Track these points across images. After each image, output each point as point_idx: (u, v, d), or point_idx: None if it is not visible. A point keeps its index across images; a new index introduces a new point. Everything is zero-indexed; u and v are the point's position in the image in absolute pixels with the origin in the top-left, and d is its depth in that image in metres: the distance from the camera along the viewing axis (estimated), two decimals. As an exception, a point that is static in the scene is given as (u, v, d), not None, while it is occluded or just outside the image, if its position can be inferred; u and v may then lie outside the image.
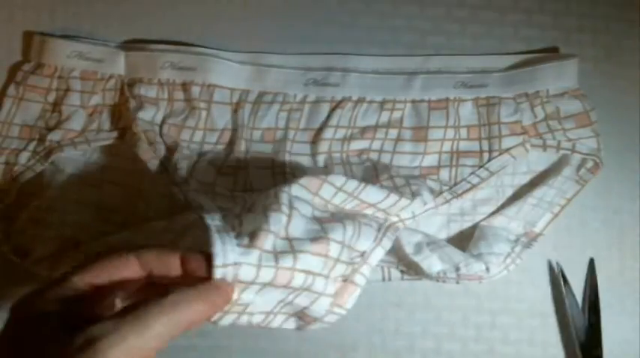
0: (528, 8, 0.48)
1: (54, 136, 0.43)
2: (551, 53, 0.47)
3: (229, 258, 0.29)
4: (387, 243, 0.37)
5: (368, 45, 0.47)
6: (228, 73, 0.44)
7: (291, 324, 0.34)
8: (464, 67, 0.46)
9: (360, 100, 0.44)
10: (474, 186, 0.43)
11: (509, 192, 0.45)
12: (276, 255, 0.30)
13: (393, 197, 0.38)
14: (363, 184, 0.37)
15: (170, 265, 0.29)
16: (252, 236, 0.30)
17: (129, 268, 0.29)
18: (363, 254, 0.35)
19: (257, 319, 0.32)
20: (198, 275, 0.29)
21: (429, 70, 0.46)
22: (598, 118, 0.44)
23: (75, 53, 0.44)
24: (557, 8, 0.48)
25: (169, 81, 0.44)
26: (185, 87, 0.44)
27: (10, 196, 0.42)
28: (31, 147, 0.43)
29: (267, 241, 0.30)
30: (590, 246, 0.46)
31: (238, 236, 0.30)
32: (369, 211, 0.38)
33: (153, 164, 0.41)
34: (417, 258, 0.42)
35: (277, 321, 0.33)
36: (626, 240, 0.46)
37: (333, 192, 0.36)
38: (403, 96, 0.44)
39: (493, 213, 0.44)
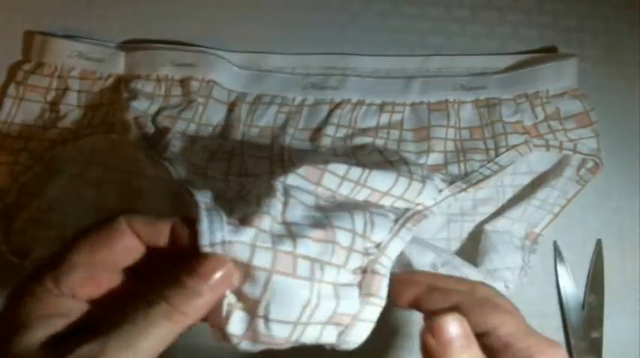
0: (528, 8, 0.48)
1: (51, 135, 0.43)
2: (550, 53, 0.47)
3: (217, 236, 0.27)
4: (406, 235, 0.34)
5: (368, 45, 0.47)
6: (226, 73, 0.44)
7: (331, 335, 0.30)
8: (464, 67, 0.46)
9: (360, 103, 0.44)
10: (486, 178, 0.41)
11: (509, 192, 0.45)
12: (274, 237, 0.29)
13: (403, 180, 0.36)
14: (367, 170, 0.35)
15: (160, 234, 0.27)
16: (245, 217, 0.29)
17: (125, 237, 0.27)
18: (378, 246, 0.33)
19: (281, 332, 0.29)
20: (185, 245, 0.27)
21: (429, 70, 0.46)
22: (598, 118, 0.44)
23: (75, 53, 0.44)
24: (557, 8, 0.48)
25: (168, 77, 0.43)
26: (183, 83, 0.43)
27: (11, 196, 0.42)
28: (31, 146, 0.43)
29: (263, 221, 0.29)
30: (590, 246, 0.46)
31: (230, 216, 0.29)
32: (386, 202, 0.36)
33: (143, 146, 0.40)
34: None
35: (310, 334, 0.30)
36: (626, 240, 0.46)
37: (338, 181, 0.34)
38: (402, 99, 0.44)
39: (496, 216, 0.44)
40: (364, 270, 0.32)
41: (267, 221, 0.29)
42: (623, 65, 0.47)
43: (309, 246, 0.29)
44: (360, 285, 0.31)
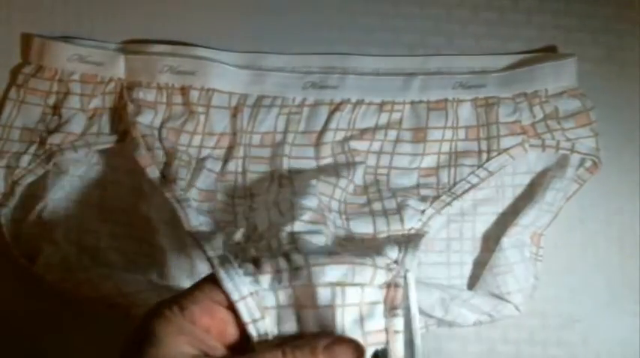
0: (528, 8, 0.47)
1: (54, 139, 0.43)
2: (549, 53, 0.47)
3: (243, 290, 0.29)
4: (414, 255, 0.36)
5: (368, 45, 0.47)
6: (226, 77, 0.44)
7: None
8: (464, 67, 0.46)
9: (359, 102, 0.44)
10: (473, 186, 0.42)
11: (509, 192, 0.45)
12: (291, 273, 0.30)
13: (380, 219, 0.39)
14: (346, 221, 0.39)
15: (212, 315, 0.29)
16: (256, 263, 0.31)
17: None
18: (396, 261, 0.35)
19: None
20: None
21: (429, 70, 0.46)
22: (598, 118, 0.43)
23: (75, 56, 0.44)
24: (557, 8, 0.47)
25: (168, 85, 0.44)
26: (184, 91, 0.44)
27: (13, 199, 0.42)
28: (32, 150, 0.43)
29: (272, 265, 0.30)
30: (590, 246, 0.46)
31: (241, 264, 0.31)
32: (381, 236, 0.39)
33: (152, 171, 0.41)
34: (448, 318, 0.42)
35: None
36: (626, 240, 0.46)
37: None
38: (402, 98, 0.44)
39: (510, 225, 0.44)
40: (389, 285, 0.32)
41: (282, 260, 0.31)
42: (623, 65, 0.47)
43: (327, 271, 0.30)
44: (385, 301, 0.32)
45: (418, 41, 0.47)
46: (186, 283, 0.43)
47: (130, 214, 0.45)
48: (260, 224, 0.39)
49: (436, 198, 0.42)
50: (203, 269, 0.43)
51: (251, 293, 0.29)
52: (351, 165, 0.42)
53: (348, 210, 0.41)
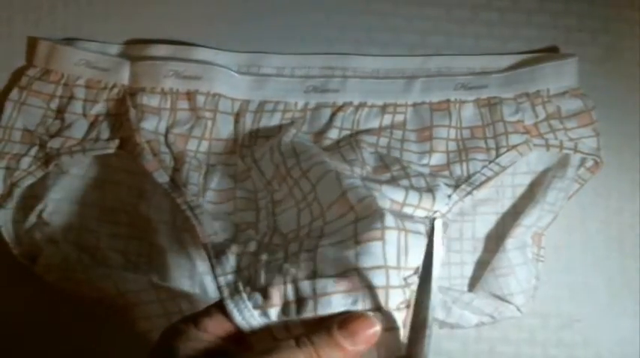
0: (528, 8, 0.48)
1: (54, 144, 0.43)
2: (550, 53, 0.47)
3: (252, 323, 0.30)
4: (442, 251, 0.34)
5: (368, 45, 0.47)
6: (230, 83, 0.44)
7: None
8: (464, 67, 0.46)
9: (362, 105, 0.44)
10: (488, 179, 0.41)
11: (508, 192, 0.45)
12: (299, 303, 0.31)
13: (413, 192, 0.37)
14: (379, 185, 0.37)
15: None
16: (265, 294, 0.31)
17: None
18: (417, 270, 0.32)
19: None
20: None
21: (430, 70, 0.46)
22: (598, 118, 0.44)
23: (83, 61, 0.44)
24: (557, 8, 0.47)
25: (173, 90, 0.43)
26: (189, 96, 0.43)
27: (11, 201, 0.42)
28: (33, 152, 0.43)
29: (285, 293, 0.31)
30: (590, 246, 0.46)
31: (251, 294, 0.31)
32: (407, 211, 0.37)
33: (159, 175, 0.40)
34: (451, 320, 0.42)
35: None
36: (626, 240, 0.46)
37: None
38: (404, 100, 0.44)
39: (513, 227, 0.44)
40: (408, 305, 0.31)
41: (290, 289, 0.31)
42: (623, 65, 0.47)
43: (333, 302, 0.30)
44: (404, 324, 0.31)
45: (418, 41, 0.47)
46: (186, 283, 0.43)
47: (130, 214, 0.45)
48: (285, 223, 0.39)
49: (457, 186, 0.41)
50: (203, 270, 0.43)
51: (260, 326, 0.31)
52: (357, 149, 0.42)
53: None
